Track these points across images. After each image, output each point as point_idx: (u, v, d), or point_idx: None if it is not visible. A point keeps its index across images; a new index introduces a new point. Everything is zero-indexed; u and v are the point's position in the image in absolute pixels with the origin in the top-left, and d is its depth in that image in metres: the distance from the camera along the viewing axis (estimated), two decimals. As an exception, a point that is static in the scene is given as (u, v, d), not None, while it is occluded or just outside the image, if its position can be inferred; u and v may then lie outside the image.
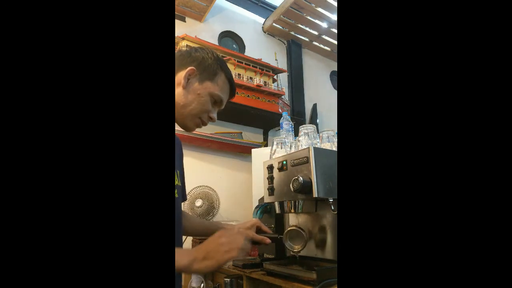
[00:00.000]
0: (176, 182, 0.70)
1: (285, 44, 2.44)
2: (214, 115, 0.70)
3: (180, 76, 0.66)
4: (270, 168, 0.93)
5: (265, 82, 1.89)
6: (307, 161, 0.79)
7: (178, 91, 0.66)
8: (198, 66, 0.67)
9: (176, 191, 0.68)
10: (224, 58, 1.77)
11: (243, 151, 1.87)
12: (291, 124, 1.12)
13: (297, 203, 0.87)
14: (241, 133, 1.87)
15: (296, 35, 2.39)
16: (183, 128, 0.70)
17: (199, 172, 1.76)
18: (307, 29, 2.32)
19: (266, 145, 1.92)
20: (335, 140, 0.94)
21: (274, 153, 1.01)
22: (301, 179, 0.77)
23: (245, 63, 1.85)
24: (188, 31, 1.79)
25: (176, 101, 0.66)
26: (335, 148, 0.91)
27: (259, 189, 1.28)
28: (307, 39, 2.44)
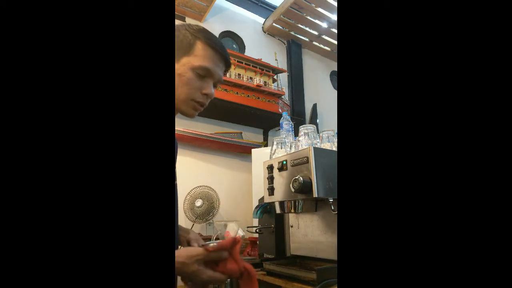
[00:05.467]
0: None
1: (285, 44, 2.44)
2: (209, 90, 0.63)
3: None
4: (270, 168, 0.93)
5: (265, 82, 1.89)
6: (307, 161, 0.79)
7: None
8: None
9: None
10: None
11: (243, 151, 1.87)
12: (291, 124, 1.12)
13: (297, 203, 0.87)
14: (241, 133, 1.87)
15: (296, 35, 2.39)
16: (183, 114, 0.65)
17: (199, 172, 1.76)
18: (307, 29, 2.32)
19: (266, 145, 1.92)
20: (335, 140, 0.94)
21: (274, 153, 1.01)
22: (301, 179, 0.77)
23: (245, 63, 1.85)
24: (188, 31, 1.79)
25: None
26: (335, 148, 0.91)
27: (259, 189, 1.28)
28: (307, 39, 2.44)
